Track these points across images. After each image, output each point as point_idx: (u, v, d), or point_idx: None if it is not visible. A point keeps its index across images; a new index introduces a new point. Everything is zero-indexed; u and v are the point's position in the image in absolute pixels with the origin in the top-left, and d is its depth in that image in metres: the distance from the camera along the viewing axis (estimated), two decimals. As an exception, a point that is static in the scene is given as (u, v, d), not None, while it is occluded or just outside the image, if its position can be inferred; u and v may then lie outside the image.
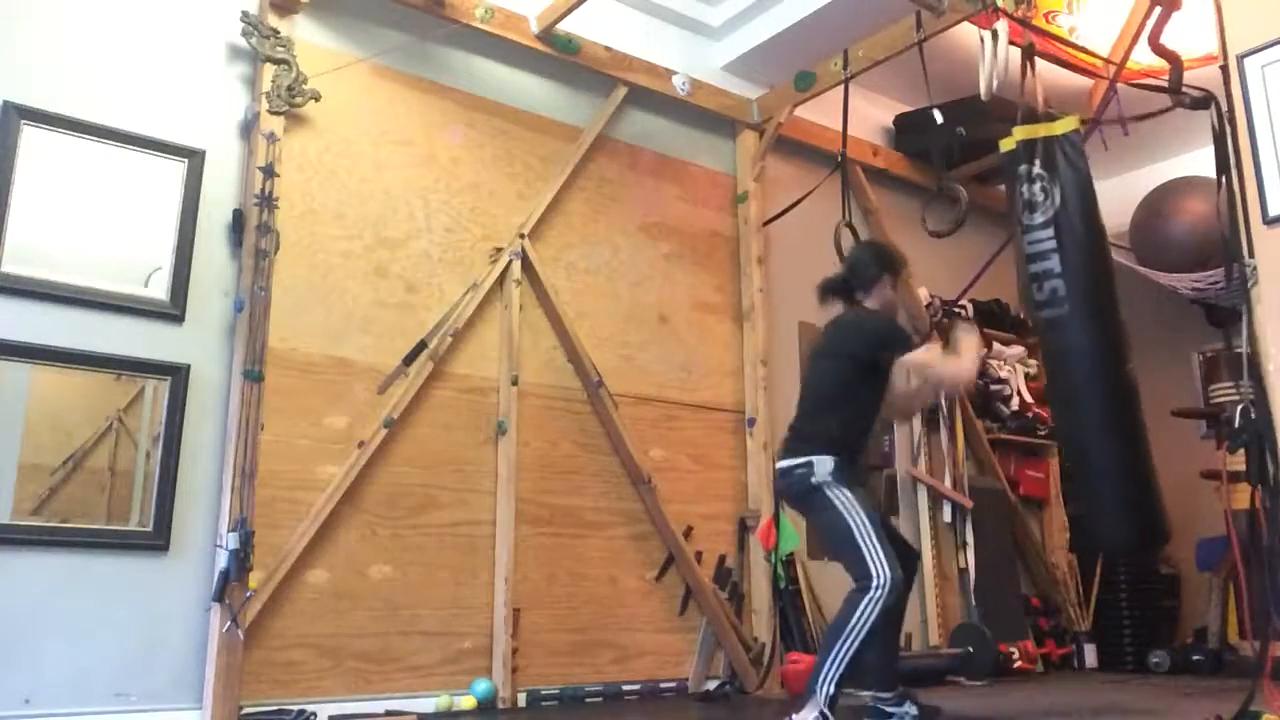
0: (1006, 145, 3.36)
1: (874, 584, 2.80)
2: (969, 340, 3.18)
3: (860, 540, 2.87)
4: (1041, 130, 3.28)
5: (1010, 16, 3.73)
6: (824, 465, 2.97)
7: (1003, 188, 5.81)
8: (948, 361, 3.11)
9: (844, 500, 2.93)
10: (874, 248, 3.56)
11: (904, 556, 3.01)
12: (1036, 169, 3.21)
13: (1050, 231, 3.18)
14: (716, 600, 4.35)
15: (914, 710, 3.08)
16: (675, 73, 4.75)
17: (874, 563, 2.83)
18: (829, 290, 3.36)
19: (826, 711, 2.75)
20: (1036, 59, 3.54)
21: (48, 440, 3.12)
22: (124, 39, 3.44)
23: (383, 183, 3.89)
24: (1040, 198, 3.19)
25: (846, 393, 3.09)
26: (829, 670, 2.77)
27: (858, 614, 2.79)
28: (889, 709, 3.08)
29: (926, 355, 3.09)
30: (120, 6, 3.45)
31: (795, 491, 3.08)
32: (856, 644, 2.77)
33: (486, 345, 4.03)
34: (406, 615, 3.63)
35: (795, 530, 4.65)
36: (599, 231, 4.48)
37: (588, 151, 4.46)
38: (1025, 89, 3.41)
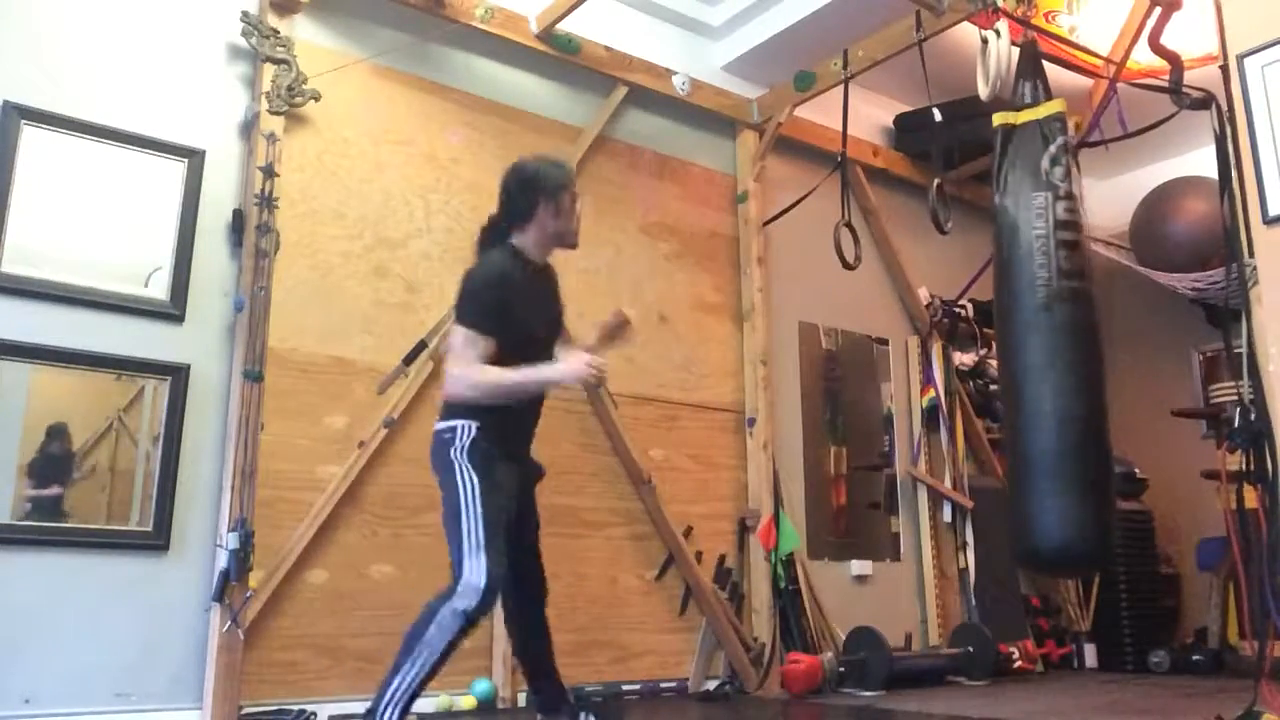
0: (1026, 115, 3.24)
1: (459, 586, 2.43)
2: (556, 368, 2.70)
3: (464, 527, 2.47)
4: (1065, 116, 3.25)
5: (1010, 16, 3.73)
6: (466, 433, 2.56)
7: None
8: (461, 366, 2.57)
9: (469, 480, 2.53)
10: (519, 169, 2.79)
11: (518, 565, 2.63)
12: (1066, 141, 3.15)
13: (1079, 207, 3.12)
14: (716, 600, 4.35)
15: None
16: (675, 73, 4.75)
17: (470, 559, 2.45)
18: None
19: None
20: (1040, 54, 3.52)
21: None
22: (124, 39, 3.44)
23: (383, 183, 3.89)
24: (1067, 170, 3.13)
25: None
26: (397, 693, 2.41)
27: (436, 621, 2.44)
28: None
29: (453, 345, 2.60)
30: (120, 6, 3.45)
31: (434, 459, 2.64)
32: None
33: (486, 345, 4.02)
34: (407, 615, 3.59)
35: (795, 530, 4.67)
36: (599, 231, 4.48)
37: (588, 151, 4.46)
38: (1033, 78, 3.37)
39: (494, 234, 2.80)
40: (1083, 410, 3.01)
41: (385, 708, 2.42)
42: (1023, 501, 3.09)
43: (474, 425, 2.56)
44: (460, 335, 2.59)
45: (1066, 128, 3.18)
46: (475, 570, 2.44)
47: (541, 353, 2.76)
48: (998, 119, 3.29)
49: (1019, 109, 3.28)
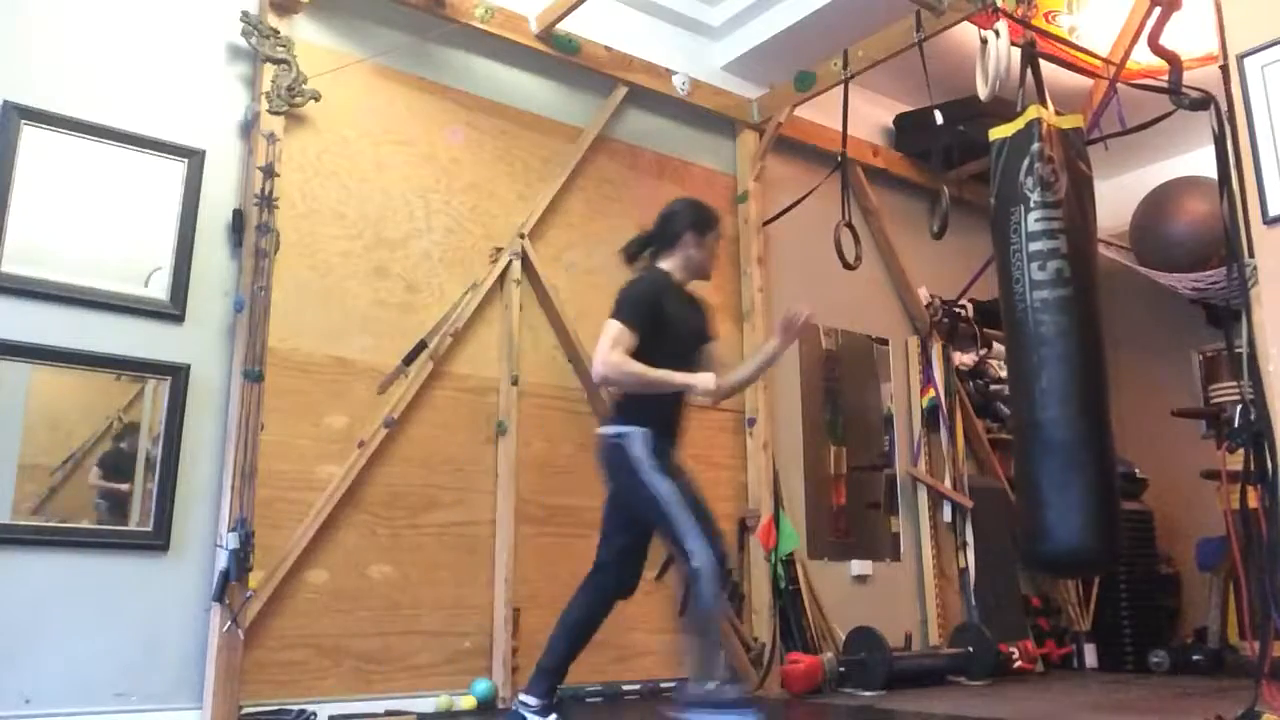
0: (1011, 127, 3.27)
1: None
2: (695, 380, 2.95)
3: (673, 523, 2.82)
4: (1050, 117, 3.25)
5: (1010, 16, 3.73)
6: (643, 440, 2.90)
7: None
8: (608, 347, 2.89)
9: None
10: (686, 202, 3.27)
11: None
12: (1049, 150, 3.16)
13: (1060, 213, 3.11)
14: (716, 600, 4.35)
15: None
16: (675, 72, 4.75)
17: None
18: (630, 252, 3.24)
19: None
20: (1037, 59, 3.52)
21: (47, 440, 3.12)
22: (124, 39, 3.44)
23: (383, 183, 3.89)
24: (1051, 178, 3.13)
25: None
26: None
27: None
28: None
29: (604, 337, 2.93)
30: (120, 6, 3.45)
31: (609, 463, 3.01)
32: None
33: (486, 345, 4.03)
34: (406, 615, 3.63)
35: (795, 530, 4.67)
36: (599, 231, 4.48)
37: (588, 151, 4.46)
38: (1028, 82, 3.38)
39: (638, 248, 3.22)
40: (1061, 416, 3.03)
41: (704, 679, 2.80)
42: (1024, 506, 3.13)
43: (642, 431, 2.91)
44: (614, 327, 2.92)
45: (1041, 134, 3.18)
46: (701, 553, 2.76)
47: (684, 361, 3.04)
48: (992, 134, 3.34)
49: (1013, 118, 3.30)
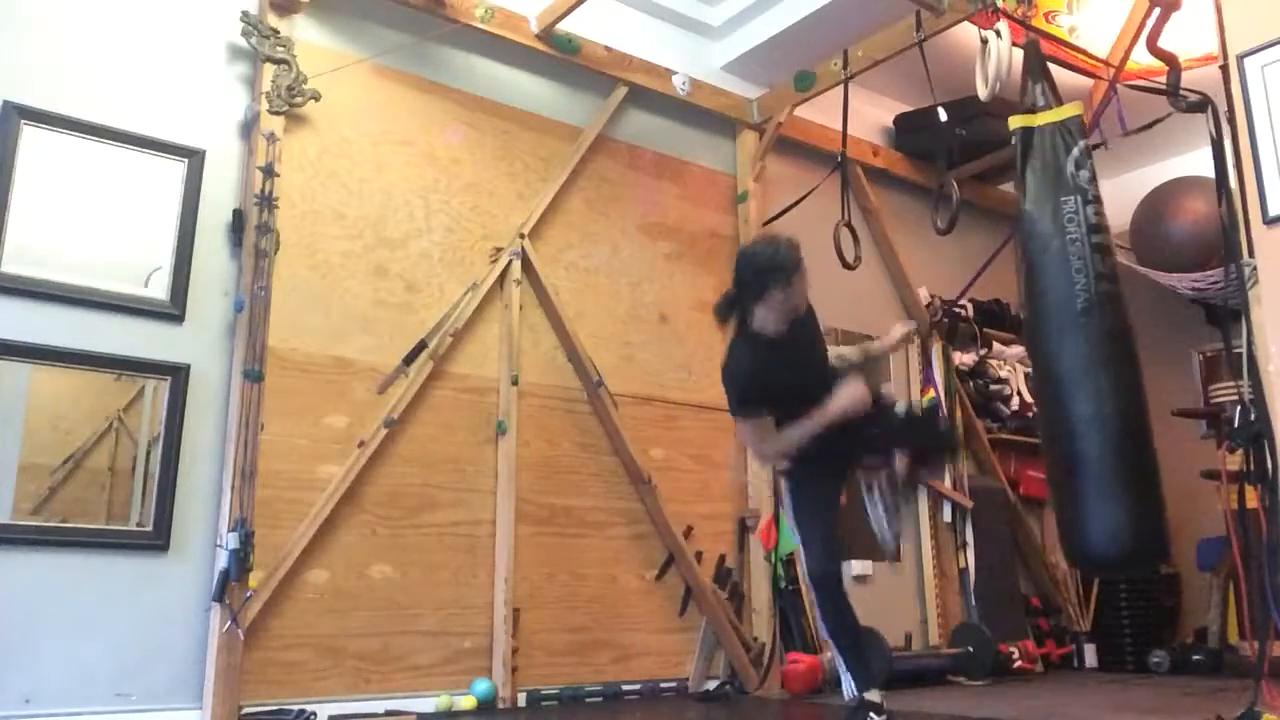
0: (1046, 117, 3.21)
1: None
2: (826, 407, 2.98)
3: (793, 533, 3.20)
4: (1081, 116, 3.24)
5: (1010, 16, 3.73)
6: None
7: (1003, 187, 5.85)
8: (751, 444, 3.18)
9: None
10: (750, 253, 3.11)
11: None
12: (1087, 145, 3.14)
13: (1101, 208, 3.10)
14: (716, 600, 4.35)
15: None
16: (675, 72, 4.75)
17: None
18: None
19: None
20: (1043, 55, 3.51)
21: (48, 440, 3.12)
22: (124, 39, 3.44)
23: (383, 183, 3.89)
24: (1092, 174, 3.11)
25: None
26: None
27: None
28: None
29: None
30: (120, 6, 3.45)
31: None
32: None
33: (486, 345, 4.03)
34: (406, 615, 3.64)
35: (795, 530, 4.66)
36: (599, 231, 4.48)
37: (588, 151, 4.46)
38: (1040, 79, 3.36)
39: (727, 310, 3.08)
40: (1123, 412, 2.99)
41: (850, 684, 3.11)
42: (1071, 506, 3.06)
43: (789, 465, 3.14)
44: (739, 426, 3.13)
45: (1085, 131, 3.17)
46: (801, 552, 3.14)
47: (810, 394, 3.02)
48: (1014, 121, 3.27)
49: (1033, 111, 3.25)
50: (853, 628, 3.11)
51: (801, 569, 3.17)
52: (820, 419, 2.95)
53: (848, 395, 2.98)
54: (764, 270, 2.92)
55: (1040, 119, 3.23)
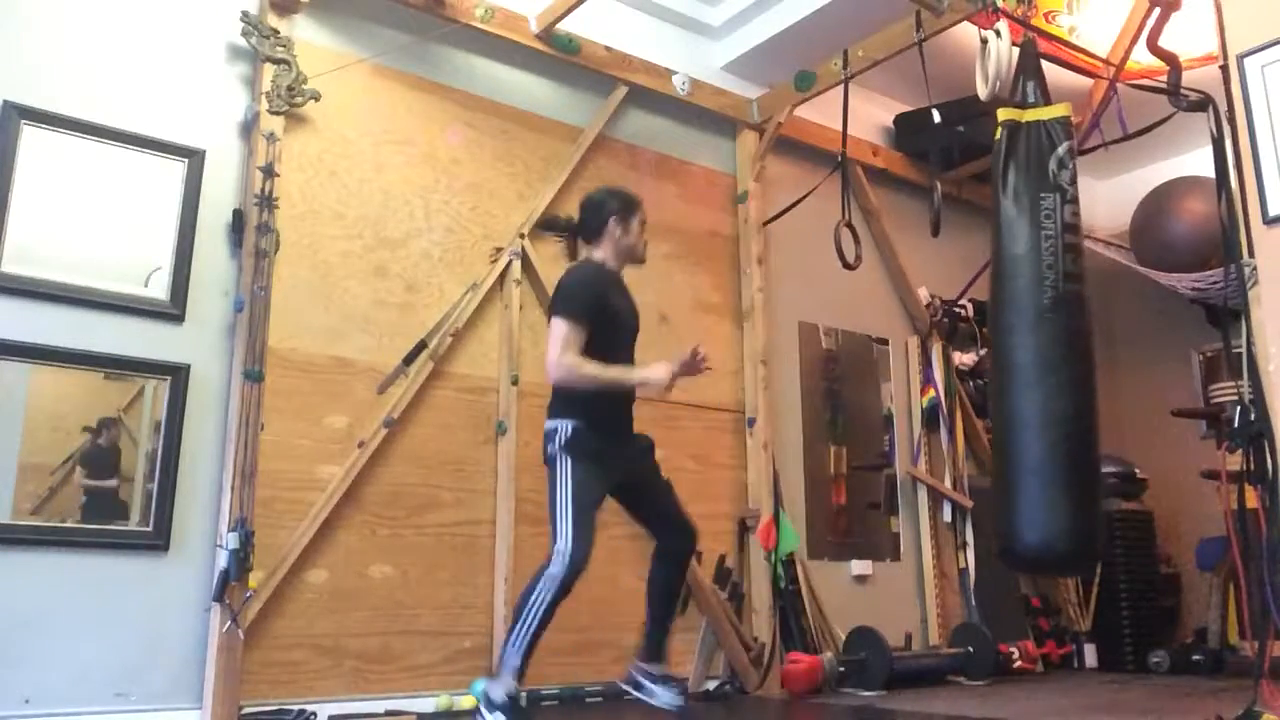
0: (1034, 114, 3.21)
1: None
2: (641, 372, 3.11)
3: (559, 510, 2.94)
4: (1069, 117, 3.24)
5: (1010, 16, 3.73)
6: (565, 431, 2.99)
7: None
8: (559, 348, 2.96)
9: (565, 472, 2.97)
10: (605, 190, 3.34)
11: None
12: (1072, 145, 3.15)
13: (1078, 209, 3.12)
14: (716, 600, 4.35)
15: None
16: (675, 72, 4.75)
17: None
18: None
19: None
20: (1039, 54, 3.52)
21: (48, 440, 3.12)
22: (124, 39, 3.44)
23: (383, 183, 3.89)
24: (1073, 175, 3.13)
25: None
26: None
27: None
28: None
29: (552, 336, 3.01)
30: (120, 6, 3.45)
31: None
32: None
33: (486, 345, 4.03)
34: (406, 615, 3.64)
35: (795, 530, 4.67)
36: (599, 231, 4.48)
37: (588, 151, 4.46)
38: (1033, 78, 3.36)
39: (561, 229, 3.29)
40: (1071, 412, 3.01)
41: (509, 648, 2.88)
42: (1006, 501, 3.09)
43: (571, 424, 2.98)
44: (562, 325, 2.96)
45: (1072, 132, 3.17)
46: (564, 544, 2.89)
47: (627, 347, 3.20)
48: (1002, 114, 3.26)
49: (1023, 107, 3.26)
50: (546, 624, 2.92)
51: (561, 554, 2.87)
52: (625, 374, 3.07)
53: (658, 367, 3.06)
54: (612, 203, 3.19)
55: (1029, 115, 3.23)
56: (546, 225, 3.42)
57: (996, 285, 3.21)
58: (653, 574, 3.30)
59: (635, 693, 3.20)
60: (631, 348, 3.26)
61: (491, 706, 2.87)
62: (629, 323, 3.24)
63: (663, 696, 3.16)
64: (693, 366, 3.16)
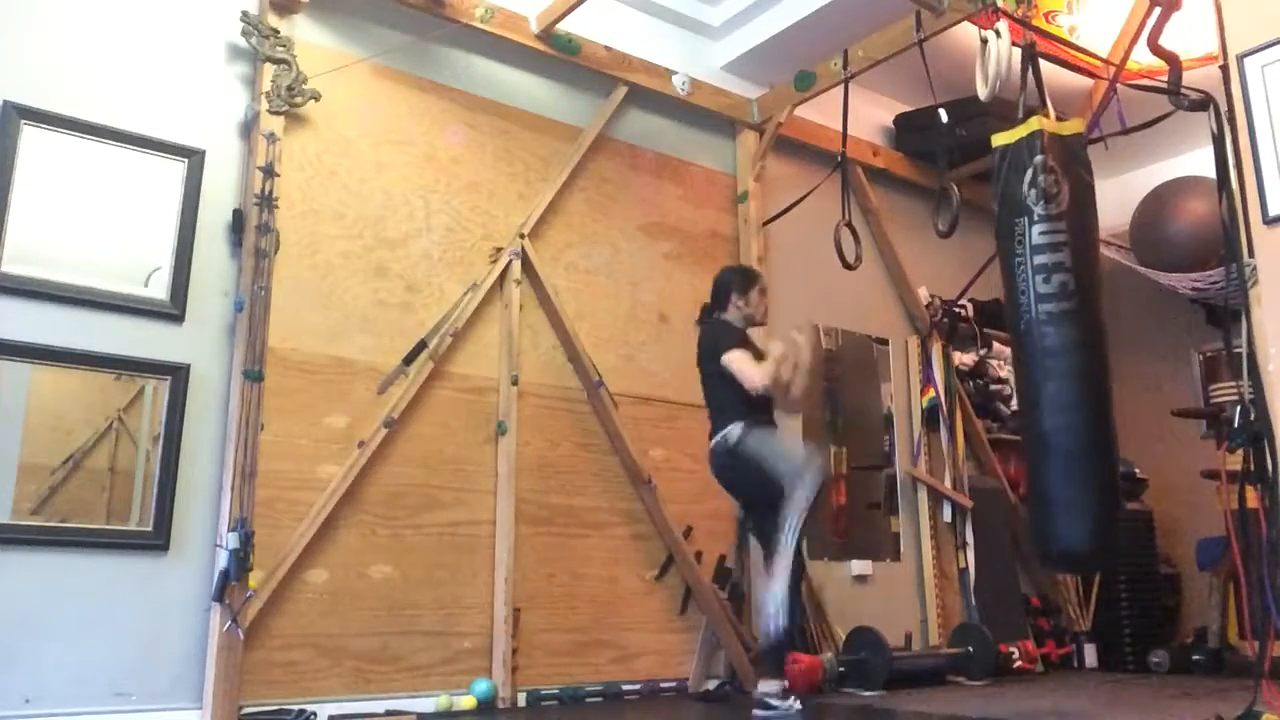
0: (1013, 135, 3.27)
1: None
2: (771, 349, 3.56)
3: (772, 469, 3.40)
4: (1051, 126, 3.24)
5: (1010, 16, 3.73)
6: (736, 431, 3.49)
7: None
8: (746, 365, 3.46)
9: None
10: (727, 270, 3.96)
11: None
12: (1050, 161, 3.16)
13: (1063, 224, 3.11)
14: (716, 600, 4.35)
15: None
16: (675, 72, 4.75)
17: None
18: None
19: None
20: (1037, 59, 3.52)
21: (48, 440, 3.12)
22: (124, 39, 3.44)
23: (383, 183, 3.89)
24: (1054, 190, 3.13)
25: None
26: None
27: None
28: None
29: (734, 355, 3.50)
30: (120, 6, 3.45)
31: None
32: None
33: (486, 345, 4.03)
34: (406, 615, 3.64)
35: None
36: (599, 231, 4.48)
37: (588, 151, 4.46)
38: (1029, 86, 3.38)
39: (706, 314, 3.80)
40: (1079, 427, 3.08)
41: (784, 610, 3.26)
42: (1030, 511, 3.28)
43: (740, 425, 3.48)
44: (736, 355, 3.48)
45: (1043, 147, 3.18)
46: (789, 461, 3.36)
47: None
48: (995, 140, 3.33)
49: (1016, 124, 3.29)
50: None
51: (793, 466, 3.30)
52: (774, 359, 3.50)
53: (784, 340, 3.58)
54: (733, 281, 3.75)
55: (1008, 137, 3.28)
56: (700, 318, 3.81)
57: (1005, 317, 3.42)
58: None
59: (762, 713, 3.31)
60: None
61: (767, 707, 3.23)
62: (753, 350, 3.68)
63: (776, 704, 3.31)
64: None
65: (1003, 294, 3.36)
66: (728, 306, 3.71)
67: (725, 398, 3.55)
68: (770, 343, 3.64)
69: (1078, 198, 3.17)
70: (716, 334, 3.65)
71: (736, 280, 3.77)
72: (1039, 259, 3.12)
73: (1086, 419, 3.08)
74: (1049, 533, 3.12)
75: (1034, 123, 3.22)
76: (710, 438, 3.61)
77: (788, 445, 3.53)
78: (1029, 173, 3.17)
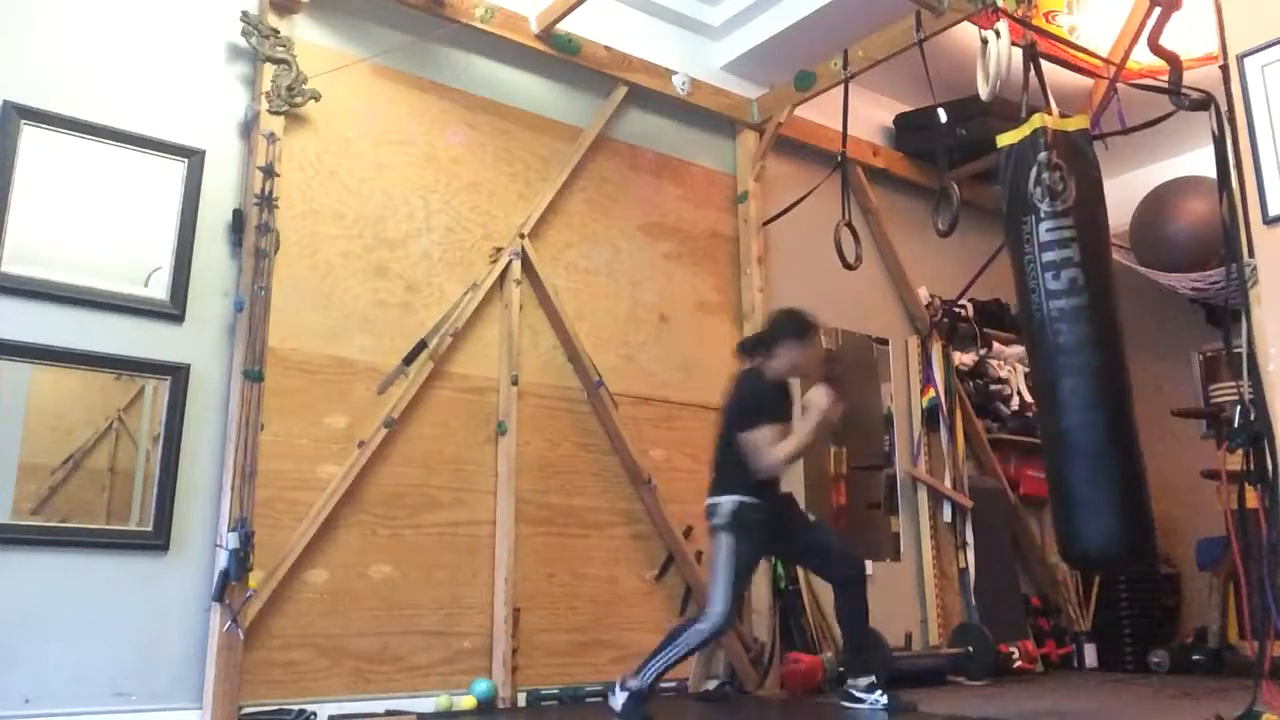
0: (1018, 134, 3.27)
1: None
2: (809, 409, 3.41)
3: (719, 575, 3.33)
4: (1054, 122, 3.24)
5: (1010, 16, 3.73)
6: (731, 506, 3.38)
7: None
8: (762, 448, 3.35)
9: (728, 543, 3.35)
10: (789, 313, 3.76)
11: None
12: (1055, 158, 3.15)
13: (1070, 220, 3.11)
14: (716, 600, 4.35)
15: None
16: (675, 72, 4.75)
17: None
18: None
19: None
20: (1039, 58, 3.52)
21: (48, 440, 3.12)
22: (124, 39, 3.44)
23: (383, 183, 3.89)
24: (1059, 186, 3.12)
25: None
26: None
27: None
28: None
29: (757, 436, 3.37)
30: (120, 6, 3.45)
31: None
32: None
33: (486, 345, 4.03)
34: (406, 615, 3.64)
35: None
36: (599, 231, 4.48)
37: (588, 151, 4.46)
38: (1031, 85, 3.38)
39: (752, 344, 3.68)
40: (1100, 423, 3.06)
41: (643, 672, 3.26)
42: (1057, 511, 3.21)
43: (735, 500, 3.37)
44: (756, 437, 3.35)
45: (1048, 143, 3.17)
46: (718, 608, 3.26)
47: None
48: (1000, 141, 3.33)
49: (1018, 123, 3.29)
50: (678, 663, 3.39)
51: (713, 616, 3.26)
52: (806, 429, 3.37)
53: (820, 396, 3.37)
54: (788, 327, 3.57)
55: (1012, 137, 3.29)
56: (743, 345, 3.75)
57: (1018, 317, 3.43)
58: (837, 605, 3.68)
59: (848, 704, 3.51)
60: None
61: (623, 688, 3.26)
62: (785, 413, 3.57)
63: (871, 701, 3.46)
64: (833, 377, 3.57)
65: (1014, 294, 3.36)
66: (775, 351, 3.53)
67: (730, 462, 3.44)
68: (810, 396, 3.44)
69: (1085, 193, 3.17)
70: (745, 394, 3.50)
71: (793, 328, 3.58)
72: (1047, 256, 3.11)
73: (1105, 416, 3.06)
74: (1072, 532, 3.08)
75: (1037, 120, 3.22)
76: (708, 491, 3.52)
77: (725, 588, 3.28)
78: (1034, 170, 3.17)
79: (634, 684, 3.24)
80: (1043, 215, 3.13)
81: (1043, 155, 3.15)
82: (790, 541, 3.59)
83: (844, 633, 3.62)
